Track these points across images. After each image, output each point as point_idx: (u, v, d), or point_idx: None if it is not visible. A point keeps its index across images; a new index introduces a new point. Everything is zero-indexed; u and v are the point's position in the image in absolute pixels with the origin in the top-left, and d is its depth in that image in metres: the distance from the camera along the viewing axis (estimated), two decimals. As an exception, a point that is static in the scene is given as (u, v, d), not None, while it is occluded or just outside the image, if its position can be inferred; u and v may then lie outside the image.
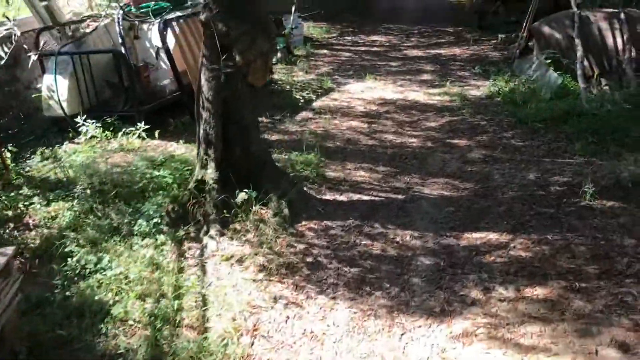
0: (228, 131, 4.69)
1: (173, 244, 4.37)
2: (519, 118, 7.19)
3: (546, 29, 8.73)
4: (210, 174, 4.60)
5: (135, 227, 4.54)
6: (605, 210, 4.75)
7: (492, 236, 4.48)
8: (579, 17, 8.49)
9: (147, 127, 6.52)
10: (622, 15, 8.38)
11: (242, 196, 4.51)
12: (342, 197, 5.21)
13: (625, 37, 8.19)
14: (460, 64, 10.56)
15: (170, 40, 7.16)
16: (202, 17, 4.59)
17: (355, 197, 5.22)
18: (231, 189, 4.58)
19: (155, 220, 4.57)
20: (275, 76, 9.57)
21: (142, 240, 4.42)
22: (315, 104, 8.16)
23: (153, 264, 4.10)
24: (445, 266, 4.11)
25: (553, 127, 6.85)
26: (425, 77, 9.74)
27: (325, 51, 11.84)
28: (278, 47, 10.89)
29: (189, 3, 8.02)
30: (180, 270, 4.08)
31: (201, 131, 4.72)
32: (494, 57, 10.91)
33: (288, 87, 8.99)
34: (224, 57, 4.57)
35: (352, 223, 4.71)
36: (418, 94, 8.65)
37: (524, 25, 9.96)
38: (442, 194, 5.28)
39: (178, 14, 7.67)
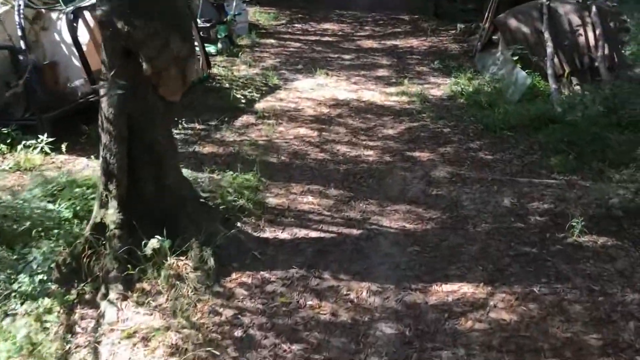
0: (135, 160, 3.67)
1: (61, 312, 3.35)
2: (485, 124, 6.40)
3: (512, 22, 7.95)
4: (112, 215, 3.58)
5: (15, 285, 3.50)
6: (598, 249, 3.98)
7: (467, 289, 3.64)
8: (547, 9, 7.76)
9: (51, 139, 5.42)
10: (594, 8, 7.69)
11: (152, 244, 3.52)
12: (284, 234, 4.27)
13: (597, 32, 7.49)
14: (418, 58, 9.71)
15: (83, 33, 6.02)
16: (99, 12, 3.53)
17: (301, 233, 4.30)
18: (139, 235, 3.57)
19: (41, 276, 3.54)
20: (214, 70, 8.50)
21: (22, 304, 3.39)
22: (259, 106, 7.15)
23: (30, 345, 3.08)
24: (411, 337, 3.25)
25: (524, 136, 6.10)
26: (382, 72, 8.84)
27: (272, 41, 10.78)
28: (219, 36, 9.80)
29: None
30: (66, 355, 3.07)
31: (100, 159, 3.68)
32: (453, 50, 10.11)
33: (228, 84, 7.94)
34: (127, 65, 3.54)
35: (296, 273, 3.79)
36: (374, 94, 7.75)
37: (486, 15, 9.17)
38: (404, 226, 4.41)
39: (94, 1, 6.50)
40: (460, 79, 8.13)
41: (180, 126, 6.29)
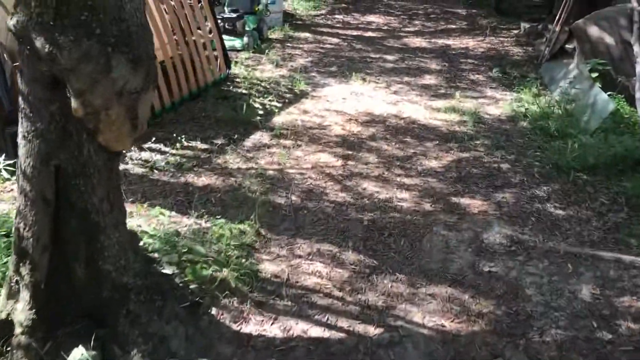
0: (62, 233, 2.58)
1: None
2: (555, 162, 5.08)
3: (593, 30, 6.52)
4: (21, 313, 2.52)
5: None
6: None
7: None
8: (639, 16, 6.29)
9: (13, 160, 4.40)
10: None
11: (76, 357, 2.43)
12: (275, 329, 3.13)
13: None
14: (473, 63, 8.34)
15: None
16: (12, 22, 2.42)
17: (298, 328, 3.15)
18: (58, 344, 2.49)
19: None
20: (235, 69, 7.37)
21: None
22: (277, 120, 5.99)
23: None
24: None
25: (605, 182, 4.78)
26: (429, 80, 7.54)
27: (307, 35, 9.57)
28: (247, 29, 8.66)
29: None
30: None
31: (13, 229, 2.61)
32: (515, 55, 8.69)
33: (246, 89, 6.80)
34: (54, 99, 2.45)
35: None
36: (417, 108, 6.48)
37: (558, 16, 7.72)
38: (441, 325, 3.21)
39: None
40: (524, 94, 6.79)
41: (178, 145, 5.20)
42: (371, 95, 6.90)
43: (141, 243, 3.44)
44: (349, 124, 5.98)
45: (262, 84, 7.01)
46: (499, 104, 6.67)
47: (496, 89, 7.19)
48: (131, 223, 3.77)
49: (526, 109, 6.31)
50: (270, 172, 4.85)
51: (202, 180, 4.65)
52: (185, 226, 3.92)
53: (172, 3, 6.17)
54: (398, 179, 4.85)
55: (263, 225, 4.00)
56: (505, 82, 7.39)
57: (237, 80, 7.07)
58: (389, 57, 8.50)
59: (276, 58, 8.09)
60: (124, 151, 2.75)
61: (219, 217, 4.02)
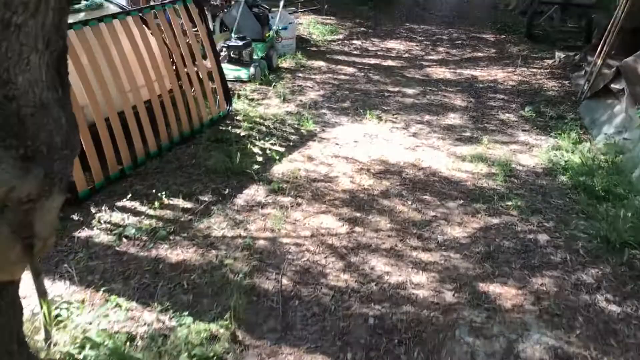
0: None
1: None
2: (604, 235, 4.20)
3: (646, 69, 5.65)
4: None
5: None
6: None
7: None
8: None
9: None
10: None
11: None
12: None
13: None
14: (503, 98, 7.49)
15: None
16: None
17: None
18: None
19: None
20: (237, 105, 6.65)
21: None
22: (277, 169, 5.22)
23: None
24: None
25: (669, 265, 3.88)
26: (453, 119, 6.72)
27: (321, 63, 8.82)
28: (255, 57, 7.95)
29: (87, 2, 5.08)
30: None
31: None
32: (550, 89, 7.82)
33: (247, 129, 6.05)
34: None
35: None
36: (439, 156, 5.66)
37: (600, 48, 6.85)
38: None
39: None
40: (561, 140, 5.93)
41: (157, 203, 4.45)
42: (387, 137, 6.10)
43: (80, 356, 2.68)
44: (359, 175, 5.18)
45: (266, 123, 6.25)
46: (533, 151, 5.82)
47: (529, 132, 6.33)
48: (78, 321, 3.02)
49: (566, 161, 5.44)
50: (261, 241, 4.07)
51: (177, 253, 3.88)
52: (145, 325, 3.14)
53: (161, 29, 5.47)
54: (414, 253, 4.03)
55: (241, 325, 3.20)
56: (540, 124, 6.53)
57: (238, 118, 6.33)
58: (409, 91, 7.69)
59: (284, 91, 7.35)
60: (15, 279, 1.98)
61: (187, 312, 3.24)
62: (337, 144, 5.90)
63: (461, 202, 4.78)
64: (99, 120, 4.61)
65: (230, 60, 7.80)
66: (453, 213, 4.60)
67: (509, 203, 4.74)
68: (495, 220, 4.50)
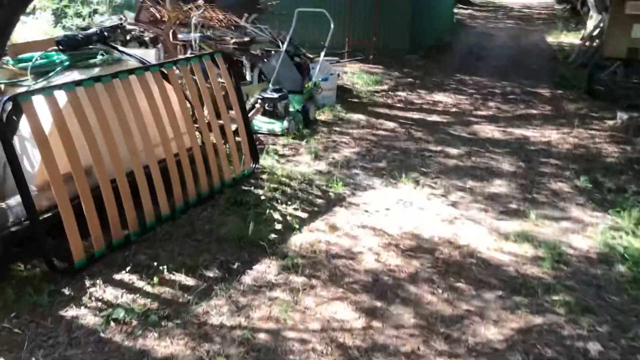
0: None
1: None
2: (675, 349, 3.51)
3: None
4: None
5: None
6: None
7: None
8: None
9: None
10: None
11: None
12: None
13: None
14: (556, 164, 6.83)
15: (37, 124, 4.00)
16: None
17: None
18: None
19: None
20: (265, 161, 6.27)
21: None
22: (295, 240, 4.76)
23: None
24: None
25: None
26: (499, 187, 6.11)
27: (360, 117, 8.41)
28: (291, 109, 7.62)
29: (103, 57, 4.84)
30: None
31: None
32: (610, 155, 7.11)
33: (270, 190, 5.64)
34: None
35: None
36: (480, 232, 5.07)
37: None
38: None
39: (75, 74, 4.55)
40: (621, 219, 5.24)
41: (156, 278, 4.05)
42: (423, 206, 5.56)
43: None
44: (386, 252, 4.65)
45: (292, 184, 5.83)
46: (587, 231, 5.14)
47: (584, 206, 5.65)
48: None
49: (625, 247, 4.75)
50: (262, 335, 3.58)
51: (165, 345, 3.43)
52: None
53: (185, 83, 5.18)
54: None
55: None
56: (596, 198, 5.84)
57: (264, 176, 5.94)
58: (453, 151, 7.14)
59: (317, 147, 6.95)
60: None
61: None
62: (366, 210, 5.41)
63: (500, 293, 4.16)
64: (104, 182, 4.29)
65: (265, 113, 7.50)
66: (489, 307, 3.99)
67: (556, 298, 4.09)
68: (538, 320, 3.86)
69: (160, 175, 4.78)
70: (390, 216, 5.32)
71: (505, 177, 6.38)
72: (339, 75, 9.77)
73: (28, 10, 7.57)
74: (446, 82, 10.91)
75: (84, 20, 7.82)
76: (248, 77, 8.32)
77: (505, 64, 12.89)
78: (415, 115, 8.67)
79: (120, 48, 5.00)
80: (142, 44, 6.19)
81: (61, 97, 4.11)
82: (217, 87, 5.63)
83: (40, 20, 7.62)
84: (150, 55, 6.10)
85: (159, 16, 7.84)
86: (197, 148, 5.22)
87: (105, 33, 4.88)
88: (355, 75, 10.71)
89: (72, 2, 7.54)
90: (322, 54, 8.48)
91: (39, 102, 3.96)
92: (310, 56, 9.44)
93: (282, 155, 6.66)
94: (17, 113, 3.78)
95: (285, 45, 8.49)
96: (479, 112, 9.03)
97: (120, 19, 6.11)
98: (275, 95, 7.42)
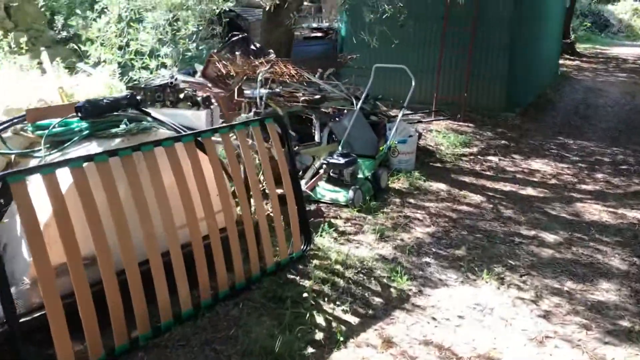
0: None
1: None
2: None
3: None
4: None
5: None
6: None
7: None
8: None
9: None
10: None
11: None
12: None
13: None
14: (684, 264, 5.44)
15: (29, 213, 3.39)
16: None
17: None
18: None
19: None
20: (324, 240, 5.42)
21: None
22: None
23: None
24: None
25: None
26: (606, 291, 4.86)
27: (441, 186, 7.37)
28: (360, 176, 6.76)
29: (126, 126, 4.20)
30: None
31: None
32: None
33: (320, 281, 4.74)
34: None
35: None
36: (577, 363, 3.87)
37: None
38: None
39: (94, 146, 3.95)
40: None
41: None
42: (506, 315, 4.44)
43: None
44: (451, 386, 3.57)
45: (346, 273, 4.91)
46: None
47: None
48: None
49: None
50: None
51: None
52: None
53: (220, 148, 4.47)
54: None
55: None
56: None
57: (315, 261, 5.06)
58: (549, 238, 5.93)
59: (385, 224, 6.00)
60: None
61: None
62: (433, 318, 4.37)
63: None
64: (108, 275, 3.58)
65: (329, 180, 6.67)
66: None
67: None
68: None
69: (182, 262, 4.03)
70: (462, 329, 4.24)
71: (615, 279, 5.10)
72: (420, 135, 8.82)
73: (94, 60, 7.29)
74: (546, 146, 9.62)
75: (151, 73, 7.39)
76: (317, 137, 7.56)
77: (616, 126, 11.34)
78: (507, 187, 7.49)
79: (155, 114, 4.37)
80: (195, 104, 5.58)
81: (65, 176, 3.47)
82: (264, 156, 4.88)
83: (105, 74, 7.25)
84: (200, 118, 5.50)
85: (224, 71, 7.33)
86: (233, 228, 4.45)
87: (138, 97, 4.29)
88: (440, 134, 9.69)
89: (137, 55, 7.13)
90: (401, 114, 7.58)
91: (38, 183, 3.34)
92: (390, 114, 8.58)
93: (342, 233, 5.76)
94: (5, 197, 3.16)
95: (359, 103, 7.69)
96: (584, 186, 7.70)
97: (172, 76, 5.56)
98: (342, 160, 6.59)
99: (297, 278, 4.81)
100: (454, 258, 5.38)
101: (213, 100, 5.78)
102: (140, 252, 3.83)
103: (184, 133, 4.30)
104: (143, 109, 4.41)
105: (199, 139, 4.34)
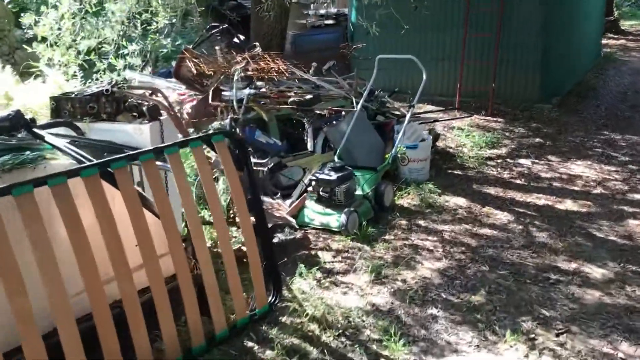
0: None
1: None
2: None
3: None
4: None
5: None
6: None
7: None
8: None
9: None
10: None
11: None
12: None
13: None
14: None
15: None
16: None
17: None
18: None
19: None
20: (303, 284, 4.23)
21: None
22: None
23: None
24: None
25: None
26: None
27: (460, 201, 6.08)
28: (359, 192, 5.57)
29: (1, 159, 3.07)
30: None
31: None
32: None
33: (283, 352, 3.55)
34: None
35: None
36: None
37: None
38: None
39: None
40: None
41: None
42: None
43: None
44: None
45: (324, 337, 3.72)
46: None
47: None
48: None
49: None
50: None
51: None
52: None
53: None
54: None
55: None
56: None
57: (286, 318, 3.87)
58: (594, 273, 4.61)
59: (385, 257, 4.79)
60: None
61: None
62: (435, 409, 3.13)
63: None
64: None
65: (319, 200, 5.47)
66: None
67: None
68: None
69: (80, 344, 2.90)
70: None
71: (688, 337, 3.76)
72: (438, 136, 7.53)
73: (45, 62, 6.25)
74: (588, 144, 8.18)
75: (118, 75, 6.28)
76: (309, 145, 6.36)
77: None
78: (541, 200, 6.14)
79: (53, 140, 3.24)
80: (142, 114, 4.45)
81: None
82: (210, 188, 3.70)
83: (61, 78, 6.14)
84: (144, 133, 4.36)
85: (194, 71, 6.19)
86: (159, 288, 3.30)
87: (28, 117, 3.16)
88: (464, 132, 8.35)
89: (101, 55, 6.04)
90: (409, 114, 6.30)
91: None
92: (398, 114, 7.30)
93: (328, 272, 4.57)
94: None
95: (361, 102, 6.45)
96: (637, 196, 6.28)
97: (110, 82, 4.44)
98: (333, 175, 5.38)
99: (256, 347, 3.63)
100: (469, 308, 4.13)
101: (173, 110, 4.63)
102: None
103: (86, 164, 3.15)
104: (37, 131, 3.28)
105: (110, 169, 3.19)
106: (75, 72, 6.65)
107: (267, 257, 4.03)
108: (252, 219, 3.96)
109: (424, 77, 6.31)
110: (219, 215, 3.78)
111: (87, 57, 6.75)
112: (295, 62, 7.01)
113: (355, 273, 4.59)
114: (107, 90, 4.47)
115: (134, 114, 4.68)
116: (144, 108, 4.62)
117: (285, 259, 4.82)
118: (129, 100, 4.69)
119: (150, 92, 4.94)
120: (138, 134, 4.39)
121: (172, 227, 3.42)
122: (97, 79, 5.57)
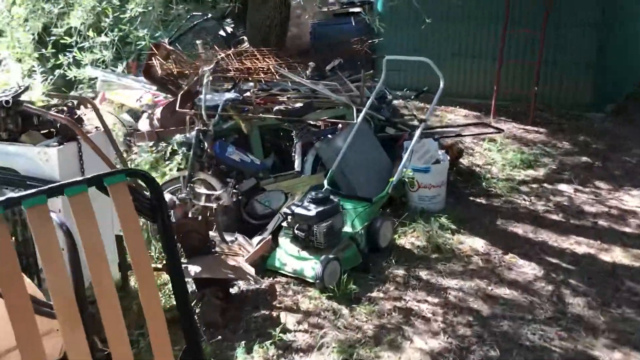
0: None
1: None
2: None
3: None
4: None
5: None
6: None
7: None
8: None
9: None
10: None
11: None
12: None
13: None
14: None
15: None
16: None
17: None
18: None
19: None
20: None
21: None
22: None
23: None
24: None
25: None
26: None
27: (477, 244, 4.87)
28: (347, 229, 4.45)
29: None
30: None
31: None
32: None
33: None
34: None
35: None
36: None
37: None
38: None
39: None
40: None
41: None
42: None
43: None
44: None
45: None
46: None
47: None
48: None
49: None
50: None
51: None
52: None
53: None
54: None
55: None
56: None
57: None
58: (647, 371, 3.34)
59: (365, 329, 3.66)
60: None
61: None
62: None
63: None
64: None
65: (295, 239, 4.37)
66: None
67: None
68: None
69: None
70: None
71: None
72: (462, 152, 6.30)
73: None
74: (647, 164, 6.77)
75: (84, 70, 5.38)
76: (296, 165, 5.26)
77: None
78: (581, 246, 4.87)
79: None
80: (56, 133, 3.47)
81: None
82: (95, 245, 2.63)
83: (15, 74, 5.30)
84: (51, 159, 3.37)
85: (160, 71, 5.16)
86: None
87: None
88: (496, 145, 7.06)
89: (65, 50, 5.15)
90: (419, 130, 5.09)
91: None
92: (409, 126, 6.08)
93: (285, 349, 3.48)
94: None
95: (363, 112, 5.29)
96: None
97: (16, 90, 3.45)
98: (312, 210, 4.26)
99: None
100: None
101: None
102: None
103: None
104: None
105: None
106: (30, 68, 5.77)
107: (187, 332, 2.95)
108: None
109: (442, 84, 5.10)
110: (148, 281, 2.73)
111: (49, 50, 5.85)
112: (314, 56, 5.92)
113: (319, 352, 3.49)
114: (7, 102, 3.48)
115: (50, 130, 3.70)
116: (59, 125, 3.63)
117: (240, 320, 3.77)
118: (38, 115, 3.70)
119: (77, 102, 3.92)
120: (42, 161, 3.38)
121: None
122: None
